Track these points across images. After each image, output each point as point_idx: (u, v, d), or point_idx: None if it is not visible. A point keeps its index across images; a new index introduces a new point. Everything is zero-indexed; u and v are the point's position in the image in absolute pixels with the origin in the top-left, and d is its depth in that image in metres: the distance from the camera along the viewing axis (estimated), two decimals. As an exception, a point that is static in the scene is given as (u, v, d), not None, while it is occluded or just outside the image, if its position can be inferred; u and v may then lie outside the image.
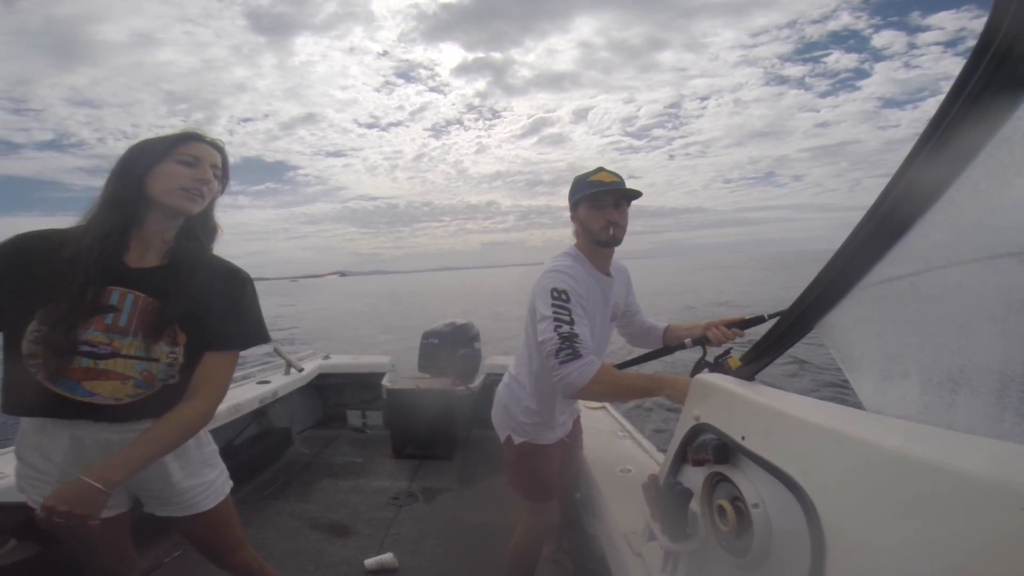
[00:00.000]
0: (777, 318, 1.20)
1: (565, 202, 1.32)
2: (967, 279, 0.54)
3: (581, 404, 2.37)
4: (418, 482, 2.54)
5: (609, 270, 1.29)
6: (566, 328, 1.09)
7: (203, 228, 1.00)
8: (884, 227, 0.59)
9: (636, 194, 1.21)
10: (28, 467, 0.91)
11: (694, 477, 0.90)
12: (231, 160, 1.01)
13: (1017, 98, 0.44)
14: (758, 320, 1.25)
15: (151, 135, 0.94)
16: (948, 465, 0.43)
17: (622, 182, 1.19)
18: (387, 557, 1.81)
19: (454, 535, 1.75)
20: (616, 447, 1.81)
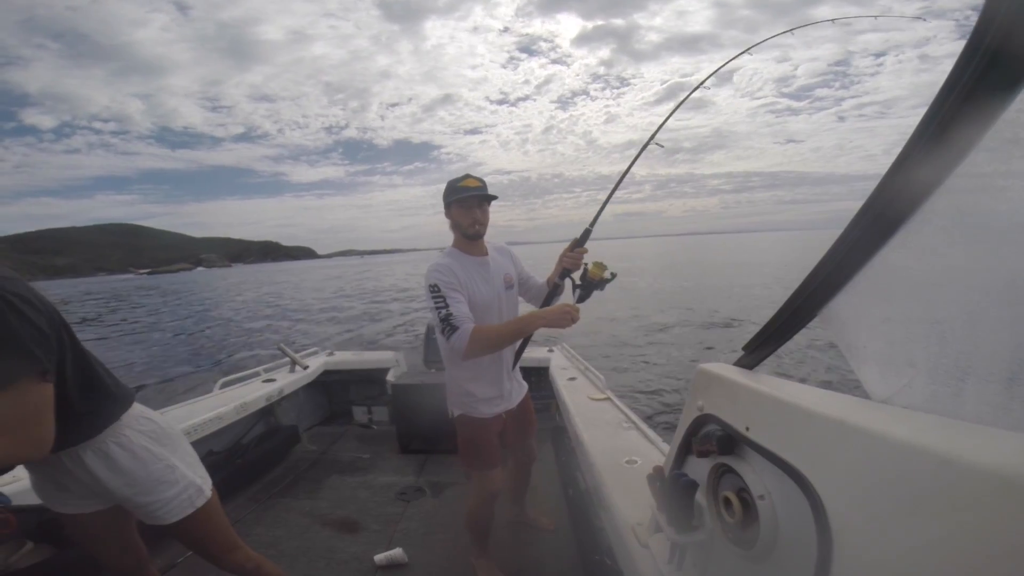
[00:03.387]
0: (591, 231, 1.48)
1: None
2: (973, 264, 0.53)
3: (585, 395, 2.38)
4: (425, 477, 2.56)
5: (485, 252, 1.55)
6: (443, 311, 1.34)
7: None
8: (887, 213, 0.58)
9: (493, 197, 1.47)
10: None
11: (699, 468, 0.90)
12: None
13: (1010, 92, 0.44)
14: (586, 234, 1.47)
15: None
16: (958, 458, 0.42)
17: (484, 187, 1.45)
18: (396, 552, 1.83)
19: (462, 529, 1.77)
20: (621, 438, 1.81)
